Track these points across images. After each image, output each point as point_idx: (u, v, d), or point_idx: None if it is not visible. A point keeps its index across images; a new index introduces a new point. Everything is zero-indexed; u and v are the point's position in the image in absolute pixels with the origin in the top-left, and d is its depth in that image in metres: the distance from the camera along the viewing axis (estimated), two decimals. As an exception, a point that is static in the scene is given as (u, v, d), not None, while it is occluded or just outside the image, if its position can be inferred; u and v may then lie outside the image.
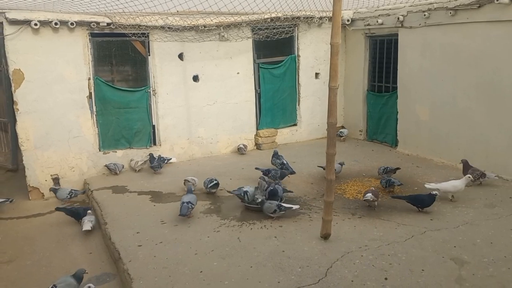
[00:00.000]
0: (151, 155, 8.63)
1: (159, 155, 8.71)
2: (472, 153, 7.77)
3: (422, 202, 6.12)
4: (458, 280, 4.44)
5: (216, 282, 4.61)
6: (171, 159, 8.84)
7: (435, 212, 6.06)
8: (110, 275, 5.23)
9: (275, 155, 8.11)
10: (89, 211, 6.71)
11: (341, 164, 7.72)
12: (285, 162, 7.91)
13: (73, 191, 7.58)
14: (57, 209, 7.02)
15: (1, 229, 6.59)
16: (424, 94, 8.65)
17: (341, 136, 10.24)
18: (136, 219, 6.37)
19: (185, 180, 7.46)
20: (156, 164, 8.40)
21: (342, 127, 10.63)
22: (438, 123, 8.44)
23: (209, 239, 5.60)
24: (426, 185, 6.57)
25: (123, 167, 8.58)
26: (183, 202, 6.18)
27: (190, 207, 6.16)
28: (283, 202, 6.25)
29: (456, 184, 6.47)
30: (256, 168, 7.74)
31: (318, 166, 8.00)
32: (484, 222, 5.70)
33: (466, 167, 7.05)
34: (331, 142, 5.13)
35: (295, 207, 6.19)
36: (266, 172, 7.39)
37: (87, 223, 6.37)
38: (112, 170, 8.39)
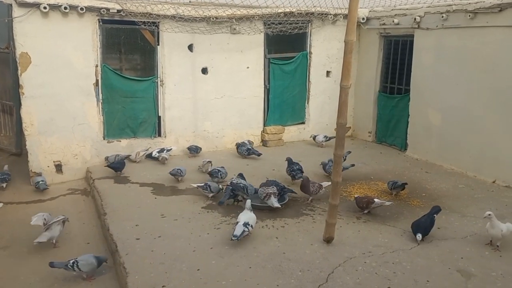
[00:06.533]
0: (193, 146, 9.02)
1: (162, 148, 8.61)
2: (482, 161, 7.59)
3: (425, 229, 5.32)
4: (464, 294, 4.29)
5: (213, 281, 4.48)
6: (171, 149, 8.69)
7: (443, 221, 5.86)
8: (106, 267, 5.11)
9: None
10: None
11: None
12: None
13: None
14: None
15: (0, 214, 6.51)
16: (438, 98, 8.42)
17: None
18: (136, 211, 6.26)
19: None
20: (194, 147, 8.89)
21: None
22: (450, 128, 8.22)
23: (208, 236, 5.47)
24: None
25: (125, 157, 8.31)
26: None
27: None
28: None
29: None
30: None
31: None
32: (493, 234, 5.50)
33: (306, 184, 6.55)
34: (339, 143, 4.97)
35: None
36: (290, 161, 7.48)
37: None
38: (110, 160, 8.10)
